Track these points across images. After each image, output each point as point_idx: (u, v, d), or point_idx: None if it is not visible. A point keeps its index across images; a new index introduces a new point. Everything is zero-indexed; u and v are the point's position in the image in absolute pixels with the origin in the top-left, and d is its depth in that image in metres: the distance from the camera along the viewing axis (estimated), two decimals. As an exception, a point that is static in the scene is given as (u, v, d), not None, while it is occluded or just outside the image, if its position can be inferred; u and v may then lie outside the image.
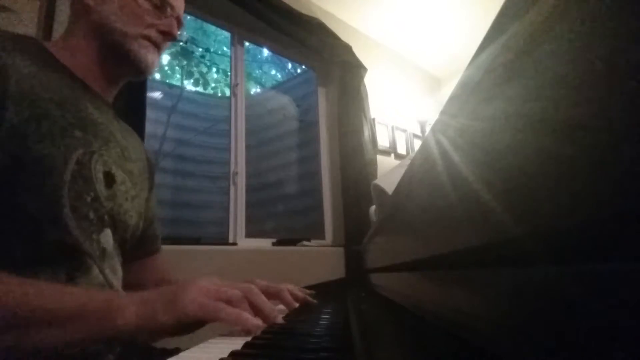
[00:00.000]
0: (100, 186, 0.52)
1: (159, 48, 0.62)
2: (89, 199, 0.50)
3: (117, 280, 0.56)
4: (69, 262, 0.48)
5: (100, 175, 0.53)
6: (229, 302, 0.42)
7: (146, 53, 0.60)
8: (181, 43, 3.20)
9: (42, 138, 0.46)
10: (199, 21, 1.96)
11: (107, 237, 0.54)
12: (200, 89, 3.83)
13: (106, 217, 0.53)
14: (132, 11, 0.59)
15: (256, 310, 0.45)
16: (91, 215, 0.50)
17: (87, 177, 0.50)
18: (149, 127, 1.31)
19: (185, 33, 3.25)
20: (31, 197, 0.44)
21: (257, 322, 0.40)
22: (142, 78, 0.65)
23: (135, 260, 0.68)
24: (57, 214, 0.46)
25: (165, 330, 0.40)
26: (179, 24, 0.65)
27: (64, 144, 0.48)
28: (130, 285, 0.60)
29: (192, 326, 0.41)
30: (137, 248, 0.67)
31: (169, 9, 0.63)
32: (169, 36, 0.63)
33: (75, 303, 0.39)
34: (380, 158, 2.22)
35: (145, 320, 0.39)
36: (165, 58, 3.70)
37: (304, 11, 1.97)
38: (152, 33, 0.60)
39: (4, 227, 0.43)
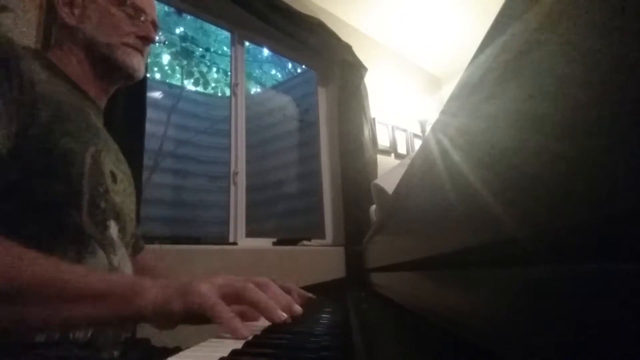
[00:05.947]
0: (108, 180, 0.59)
1: (141, 52, 0.69)
2: (102, 190, 0.57)
3: (128, 269, 0.62)
4: (80, 244, 0.53)
5: (108, 172, 0.59)
6: (237, 294, 0.43)
7: (131, 59, 0.67)
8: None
9: (65, 134, 0.53)
10: (199, 21, 1.96)
11: (114, 227, 0.60)
12: (200, 88, 3.84)
13: (112, 209, 0.59)
14: (110, 23, 0.65)
15: (274, 299, 0.45)
16: (102, 205, 0.57)
17: (100, 171, 0.57)
18: (149, 127, 1.31)
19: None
20: (57, 184, 0.51)
21: (246, 332, 0.40)
22: (132, 82, 0.72)
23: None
24: (79, 200, 0.53)
25: (175, 319, 0.42)
26: (155, 27, 0.72)
27: (81, 141, 0.55)
28: None
29: (200, 319, 0.42)
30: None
31: (142, 16, 0.69)
32: (147, 40, 0.69)
33: (103, 283, 0.43)
34: (380, 158, 2.22)
35: (161, 306, 0.42)
36: (166, 58, 3.70)
37: (304, 11, 1.97)
38: (132, 39, 0.67)
39: (28, 208, 0.49)
